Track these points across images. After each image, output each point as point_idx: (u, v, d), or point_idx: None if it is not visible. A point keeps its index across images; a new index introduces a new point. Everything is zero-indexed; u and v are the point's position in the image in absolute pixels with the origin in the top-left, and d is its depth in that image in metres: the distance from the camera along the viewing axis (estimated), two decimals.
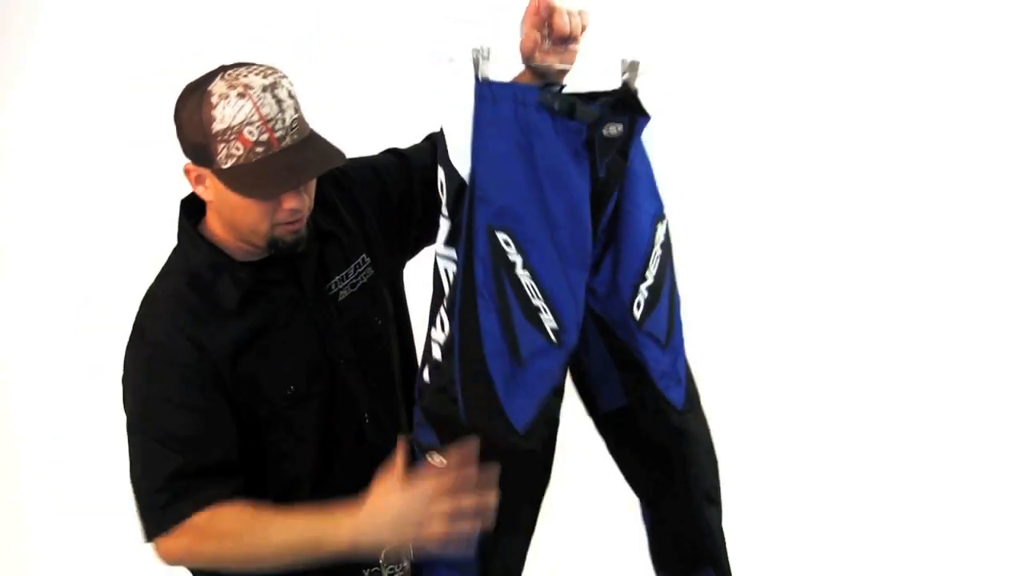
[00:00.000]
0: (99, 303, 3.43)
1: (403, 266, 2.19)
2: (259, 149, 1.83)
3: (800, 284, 3.52)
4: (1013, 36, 3.40)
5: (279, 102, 1.84)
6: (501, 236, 1.75)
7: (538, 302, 1.77)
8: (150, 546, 1.94)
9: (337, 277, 2.04)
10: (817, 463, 3.49)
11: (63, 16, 3.70)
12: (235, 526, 1.87)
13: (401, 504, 1.77)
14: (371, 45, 3.64)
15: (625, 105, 1.83)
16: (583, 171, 1.79)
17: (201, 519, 1.88)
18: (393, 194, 2.12)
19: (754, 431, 3.50)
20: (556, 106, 1.76)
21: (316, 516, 1.84)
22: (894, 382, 3.47)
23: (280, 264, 1.99)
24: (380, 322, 2.07)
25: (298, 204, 1.89)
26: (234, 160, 1.83)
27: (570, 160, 1.78)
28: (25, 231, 3.75)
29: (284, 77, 1.88)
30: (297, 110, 1.87)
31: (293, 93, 1.88)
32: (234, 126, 1.82)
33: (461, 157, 1.78)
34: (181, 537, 1.89)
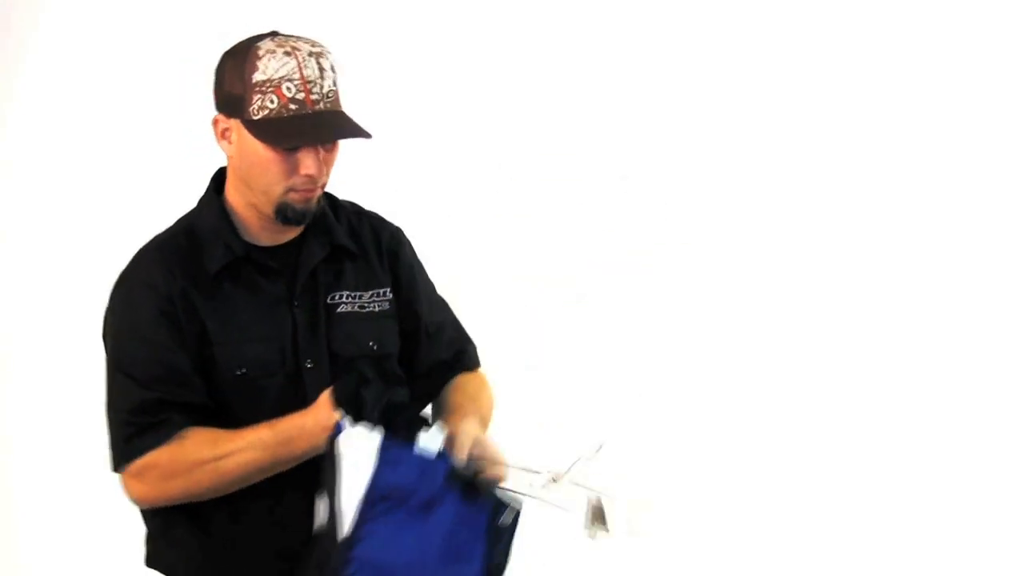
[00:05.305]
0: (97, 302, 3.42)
1: None
2: (293, 106, 1.88)
3: (800, 289, 3.53)
4: (1013, 36, 3.40)
5: (321, 69, 1.90)
6: None
7: None
8: (119, 482, 1.94)
9: (346, 292, 2.05)
10: (818, 466, 3.49)
11: (63, 14, 3.70)
12: (201, 454, 1.88)
13: None
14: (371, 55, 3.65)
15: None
16: (478, 554, 1.79)
17: (164, 455, 1.89)
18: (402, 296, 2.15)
19: (755, 434, 3.51)
20: (465, 485, 1.78)
21: (281, 420, 1.88)
22: (896, 387, 3.47)
23: (281, 256, 2.01)
24: (376, 348, 2.06)
25: (316, 171, 1.92)
26: (266, 112, 1.88)
27: (463, 541, 1.79)
28: (24, 230, 3.75)
29: (330, 53, 1.94)
30: (335, 84, 1.92)
31: (336, 69, 1.94)
32: (273, 79, 1.88)
33: (347, 504, 1.76)
34: (147, 476, 1.91)
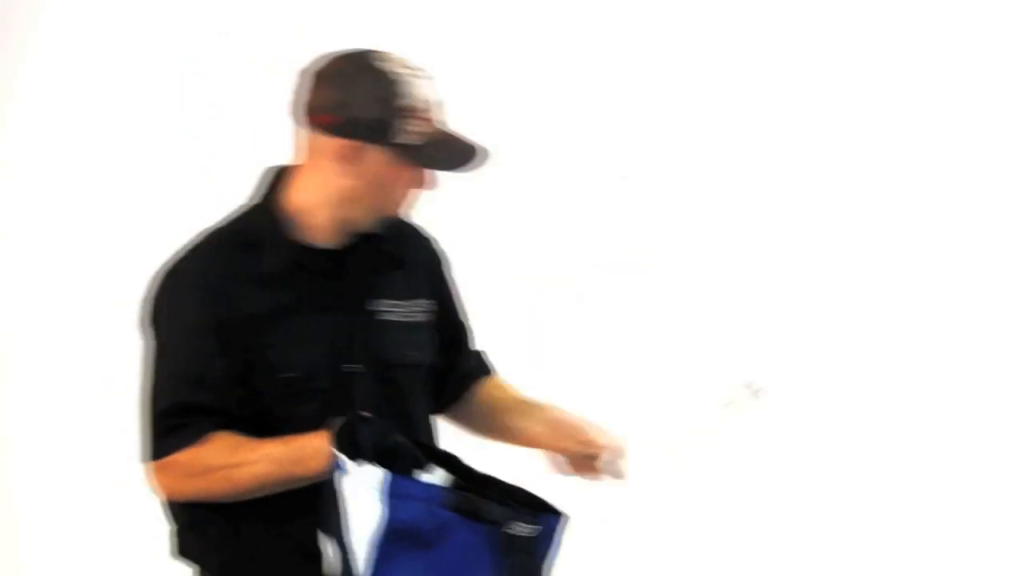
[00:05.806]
0: (102, 300, 3.43)
1: None
2: (438, 128, 1.96)
3: (800, 289, 3.53)
4: (1013, 36, 3.40)
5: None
6: None
7: None
8: (146, 469, 1.98)
9: (390, 300, 2.06)
10: (819, 466, 3.49)
11: (63, 14, 3.70)
12: (218, 459, 1.91)
13: None
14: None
15: (535, 505, 1.80)
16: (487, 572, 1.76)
17: (185, 456, 1.92)
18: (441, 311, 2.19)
19: (754, 435, 3.50)
20: (462, 506, 1.74)
21: (297, 438, 1.90)
22: (895, 386, 3.47)
23: (332, 260, 2.01)
24: (416, 357, 2.08)
25: (435, 184, 2.01)
26: (416, 137, 1.93)
27: (475, 564, 1.75)
28: (24, 230, 3.74)
29: None
30: None
31: None
32: (418, 104, 1.93)
33: (358, 544, 1.74)
34: (169, 473, 1.94)
